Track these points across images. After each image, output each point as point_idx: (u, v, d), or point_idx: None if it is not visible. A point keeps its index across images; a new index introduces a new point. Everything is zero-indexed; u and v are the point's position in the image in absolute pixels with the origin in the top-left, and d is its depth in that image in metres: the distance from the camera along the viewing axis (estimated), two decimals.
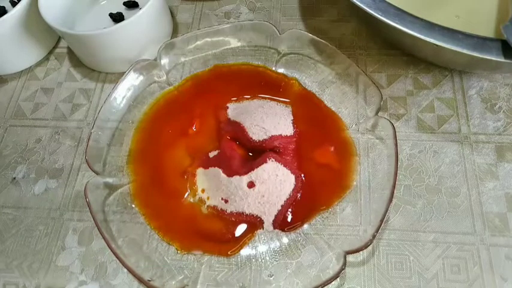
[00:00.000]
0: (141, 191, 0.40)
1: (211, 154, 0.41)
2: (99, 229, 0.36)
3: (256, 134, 0.40)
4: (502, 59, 0.33)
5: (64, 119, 0.47)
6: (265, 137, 0.40)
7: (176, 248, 0.38)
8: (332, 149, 0.41)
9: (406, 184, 0.40)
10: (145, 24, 0.45)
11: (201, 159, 0.41)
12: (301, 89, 0.45)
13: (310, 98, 0.44)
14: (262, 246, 0.37)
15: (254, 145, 0.40)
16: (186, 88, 0.46)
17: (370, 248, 0.36)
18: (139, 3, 0.52)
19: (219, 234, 0.38)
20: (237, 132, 0.41)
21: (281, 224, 0.38)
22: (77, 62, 0.51)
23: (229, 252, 0.37)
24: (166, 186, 0.41)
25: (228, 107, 0.44)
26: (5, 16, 0.45)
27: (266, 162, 0.38)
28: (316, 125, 0.42)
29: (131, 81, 0.45)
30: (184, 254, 0.37)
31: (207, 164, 0.40)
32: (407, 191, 0.39)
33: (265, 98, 0.44)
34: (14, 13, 0.45)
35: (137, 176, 0.41)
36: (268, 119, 0.41)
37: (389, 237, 0.37)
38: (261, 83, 0.45)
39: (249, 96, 0.44)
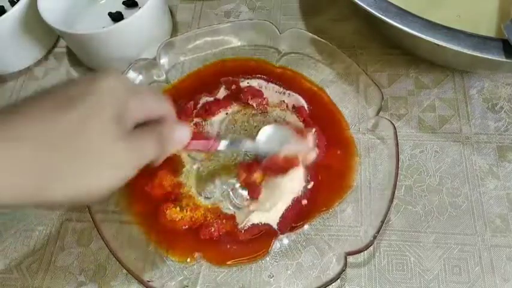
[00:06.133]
0: (141, 191, 0.40)
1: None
2: (98, 230, 0.36)
3: None
4: (503, 59, 0.32)
5: None
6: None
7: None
8: (338, 152, 0.40)
9: (407, 184, 0.40)
10: (144, 24, 0.45)
11: None
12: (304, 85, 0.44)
13: (312, 95, 0.44)
14: None
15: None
16: (186, 85, 0.46)
17: (370, 249, 0.35)
18: (138, 2, 0.51)
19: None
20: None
21: (284, 226, 0.38)
22: (76, 61, 0.51)
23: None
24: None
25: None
26: (4, 15, 0.44)
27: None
28: (316, 124, 0.42)
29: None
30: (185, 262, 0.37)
31: None
32: (408, 192, 0.39)
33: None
34: (13, 12, 0.45)
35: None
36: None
37: (390, 238, 0.37)
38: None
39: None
